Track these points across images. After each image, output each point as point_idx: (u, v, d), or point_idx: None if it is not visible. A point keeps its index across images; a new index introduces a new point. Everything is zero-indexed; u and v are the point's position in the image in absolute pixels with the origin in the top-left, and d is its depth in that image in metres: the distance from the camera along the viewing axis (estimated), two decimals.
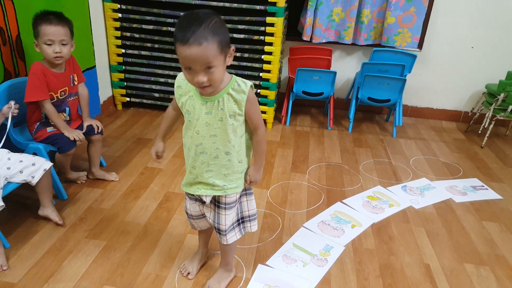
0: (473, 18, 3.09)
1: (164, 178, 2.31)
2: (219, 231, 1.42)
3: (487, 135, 2.98)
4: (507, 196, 2.32)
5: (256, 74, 2.90)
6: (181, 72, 1.24)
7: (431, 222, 2.04)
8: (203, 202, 1.41)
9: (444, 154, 2.85)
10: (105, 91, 3.14)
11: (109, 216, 1.95)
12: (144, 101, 3.22)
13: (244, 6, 2.75)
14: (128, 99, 3.23)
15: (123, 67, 3.10)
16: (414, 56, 3.01)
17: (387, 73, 2.94)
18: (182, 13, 2.71)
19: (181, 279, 1.59)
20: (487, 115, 3.00)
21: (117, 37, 3.00)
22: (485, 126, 3.02)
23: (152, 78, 3.10)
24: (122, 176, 2.30)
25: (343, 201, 2.17)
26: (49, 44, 1.85)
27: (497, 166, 2.70)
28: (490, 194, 2.33)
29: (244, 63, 2.91)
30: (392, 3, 2.93)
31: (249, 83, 1.24)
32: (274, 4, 2.70)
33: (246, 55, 2.87)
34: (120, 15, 2.89)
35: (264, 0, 2.72)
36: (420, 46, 3.14)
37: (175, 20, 2.85)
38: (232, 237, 1.44)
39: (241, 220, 1.47)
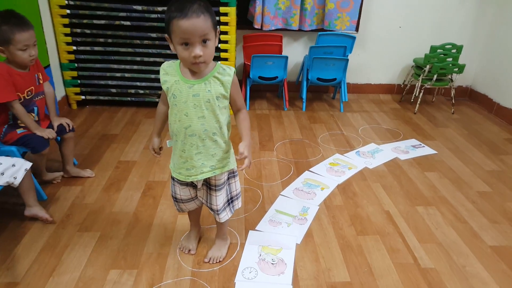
0: (398, 0, 3.50)
1: (141, 169, 2.40)
2: (212, 210, 1.55)
3: (418, 102, 3.44)
4: (440, 150, 2.75)
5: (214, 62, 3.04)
6: (165, 62, 1.36)
7: (384, 177, 2.38)
8: (194, 186, 1.52)
9: (385, 122, 3.25)
10: (58, 91, 3.07)
11: (95, 210, 2.01)
12: (101, 97, 3.21)
13: None
14: (83, 97, 3.19)
15: (75, 65, 3.06)
16: (353, 38, 3.36)
17: (332, 55, 3.26)
18: (135, 6, 2.80)
19: (182, 253, 1.73)
20: (416, 85, 3.45)
21: (66, 34, 2.95)
22: (416, 95, 3.48)
23: (108, 74, 3.10)
24: (98, 172, 2.35)
25: (310, 169, 2.43)
26: (24, 50, 1.84)
27: (429, 127, 3.15)
28: (427, 150, 2.75)
29: None
30: None
31: (233, 68, 1.37)
32: None
33: None
34: (68, 11, 2.85)
35: None
36: (357, 28, 3.49)
37: (128, 14, 2.89)
38: (224, 216, 1.58)
39: (230, 200, 1.59)
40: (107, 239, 1.80)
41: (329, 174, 2.39)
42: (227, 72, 1.35)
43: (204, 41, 1.22)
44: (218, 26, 1.30)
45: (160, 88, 3.13)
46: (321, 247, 1.79)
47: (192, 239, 1.76)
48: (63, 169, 2.27)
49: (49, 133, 2.03)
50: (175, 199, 1.59)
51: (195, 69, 1.30)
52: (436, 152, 2.73)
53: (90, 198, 2.10)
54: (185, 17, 1.17)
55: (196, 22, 1.17)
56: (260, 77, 3.22)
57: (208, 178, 1.48)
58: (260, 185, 2.26)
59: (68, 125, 2.16)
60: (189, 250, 1.73)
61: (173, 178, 1.55)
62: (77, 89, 3.16)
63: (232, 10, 2.89)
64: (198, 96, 1.31)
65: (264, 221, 1.94)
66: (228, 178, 1.55)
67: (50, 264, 1.65)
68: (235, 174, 1.58)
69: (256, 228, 1.89)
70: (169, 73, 1.35)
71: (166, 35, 1.28)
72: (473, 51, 3.68)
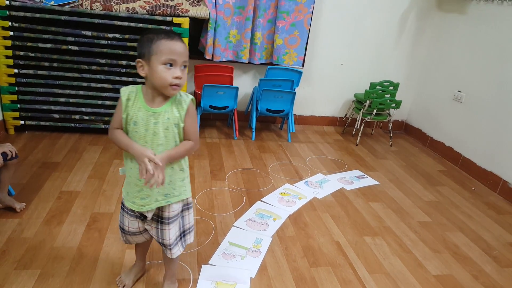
0: (341, 39, 3.77)
1: (85, 200, 2.27)
2: (164, 245, 1.49)
3: (359, 135, 3.67)
4: (382, 181, 2.94)
5: None
6: (125, 87, 1.34)
7: (332, 207, 2.49)
8: (144, 218, 1.47)
9: (330, 153, 3.41)
10: None
11: (35, 245, 1.86)
12: (42, 123, 3.03)
13: (150, 26, 2.86)
14: (22, 122, 2.99)
15: (16, 88, 2.88)
16: (300, 73, 3.53)
17: (280, 88, 3.39)
18: (84, 32, 2.73)
19: None
20: (358, 118, 3.69)
21: (8, 57, 2.78)
22: (357, 128, 3.71)
23: (51, 99, 2.95)
24: (38, 203, 2.19)
25: (262, 199, 2.47)
26: None
27: (370, 159, 3.36)
28: (370, 181, 2.92)
29: None
30: (279, 27, 3.39)
31: (191, 96, 1.38)
32: (179, 25, 2.89)
33: None
34: (12, 33, 2.71)
35: (169, 21, 2.89)
36: (302, 64, 3.69)
37: (76, 38, 2.81)
38: (177, 251, 1.51)
39: (182, 234, 1.53)
40: (48, 277, 1.67)
41: (280, 204, 2.44)
42: (184, 99, 1.36)
43: (184, 67, 1.30)
44: None
45: (107, 115, 3.05)
46: (275, 280, 1.80)
47: (132, 274, 1.68)
48: None
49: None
50: (123, 230, 1.53)
51: (169, 92, 1.30)
52: (378, 182, 2.90)
53: (29, 231, 1.95)
54: (172, 40, 1.26)
55: (182, 47, 1.28)
56: (211, 106, 3.25)
57: (161, 210, 1.44)
58: (213, 216, 2.24)
59: (11, 152, 2.02)
60: (124, 286, 1.64)
61: (123, 208, 1.49)
62: (16, 114, 2.96)
63: (185, 41, 2.92)
64: (158, 123, 1.32)
65: (218, 255, 1.92)
66: (182, 210, 1.51)
67: None
68: (190, 205, 1.53)
69: (209, 262, 1.86)
70: (131, 99, 1.33)
71: (138, 59, 1.29)
72: (408, 88, 4.04)
